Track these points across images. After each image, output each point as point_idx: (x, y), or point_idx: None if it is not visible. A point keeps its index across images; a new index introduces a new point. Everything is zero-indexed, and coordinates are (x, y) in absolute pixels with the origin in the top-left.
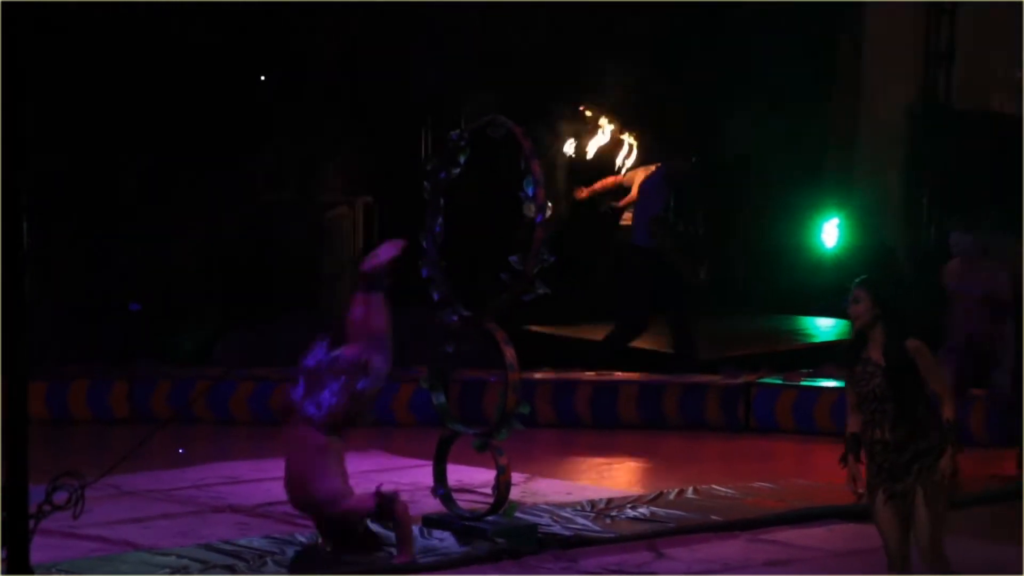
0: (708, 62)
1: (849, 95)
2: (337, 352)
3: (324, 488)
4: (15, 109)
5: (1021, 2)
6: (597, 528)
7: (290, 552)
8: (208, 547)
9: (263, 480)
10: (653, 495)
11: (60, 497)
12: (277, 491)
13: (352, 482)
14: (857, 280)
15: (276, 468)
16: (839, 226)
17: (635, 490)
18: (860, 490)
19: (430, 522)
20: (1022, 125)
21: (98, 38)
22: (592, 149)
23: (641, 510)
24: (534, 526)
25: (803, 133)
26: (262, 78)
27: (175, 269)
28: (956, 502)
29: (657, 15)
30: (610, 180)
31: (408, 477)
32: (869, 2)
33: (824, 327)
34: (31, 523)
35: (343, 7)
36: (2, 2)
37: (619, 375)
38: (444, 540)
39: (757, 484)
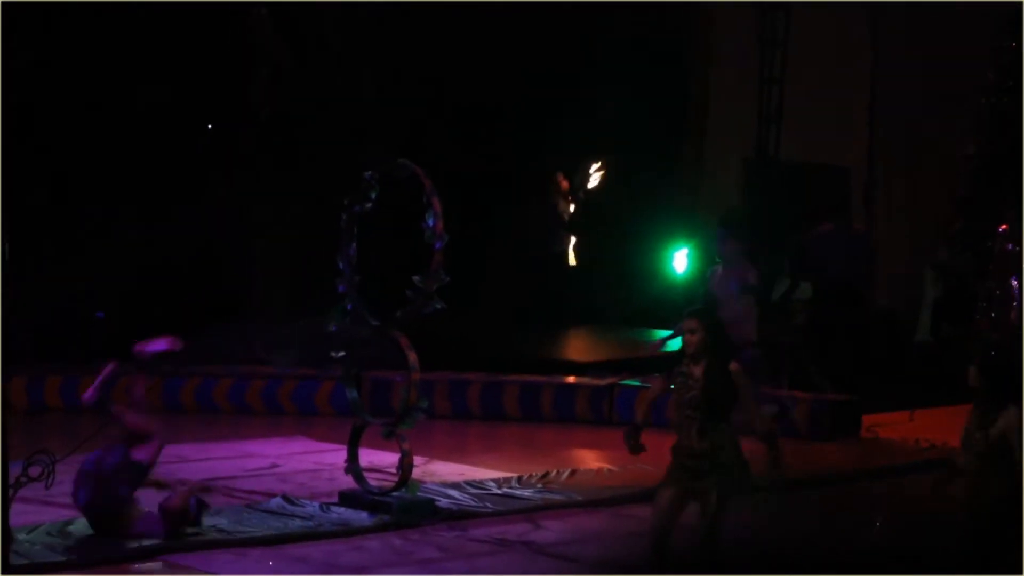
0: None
1: (695, 150)
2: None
3: None
4: None
5: (1021, 2)
6: (485, 503)
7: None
8: None
9: (207, 460)
10: (532, 476)
11: (35, 471)
12: (218, 468)
13: (282, 462)
14: (690, 310)
15: (217, 449)
16: (687, 255)
17: (517, 472)
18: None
19: (346, 497)
20: None
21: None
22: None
23: (522, 489)
24: (431, 500)
25: (658, 181)
26: (208, 127)
27: (133, 284)
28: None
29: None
30: None
31: (328, 459)
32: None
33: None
34: (11, 492)
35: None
36: (2, 2)
37: (504, 376)
38: (357, 513)
39: (618, 468)
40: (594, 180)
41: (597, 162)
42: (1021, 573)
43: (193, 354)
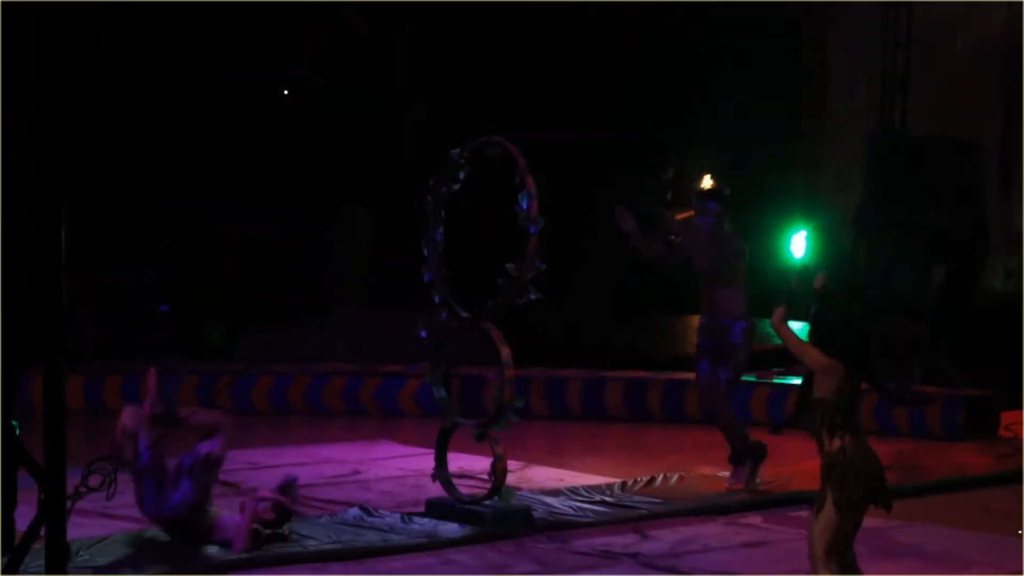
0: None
1: (815, 123)
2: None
3: None
4: (52, 125)
5: (1020, 2)
6: (587, 511)
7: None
8: None
9: (280, 466)
10: (639, 481)
11: (95, 480)
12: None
13: (365, 467)
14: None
15: (292, 455)
16: (806, 238)
17: (622, 477)
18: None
19: (433, 506)
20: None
21: (131, 57)
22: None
23: (628, 495)
24: (528, 509)
25: (774, 159)
26: (285, 92)
27: (199, 275)
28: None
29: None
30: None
31: (414, 464)
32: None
33: (794, 329)
34: (68, 503)
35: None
36: (2, 2)
37: (607, 372)
38: (446, 524)
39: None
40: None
41: (706, 165)
42: (1021, 573)
43: (265, 350)
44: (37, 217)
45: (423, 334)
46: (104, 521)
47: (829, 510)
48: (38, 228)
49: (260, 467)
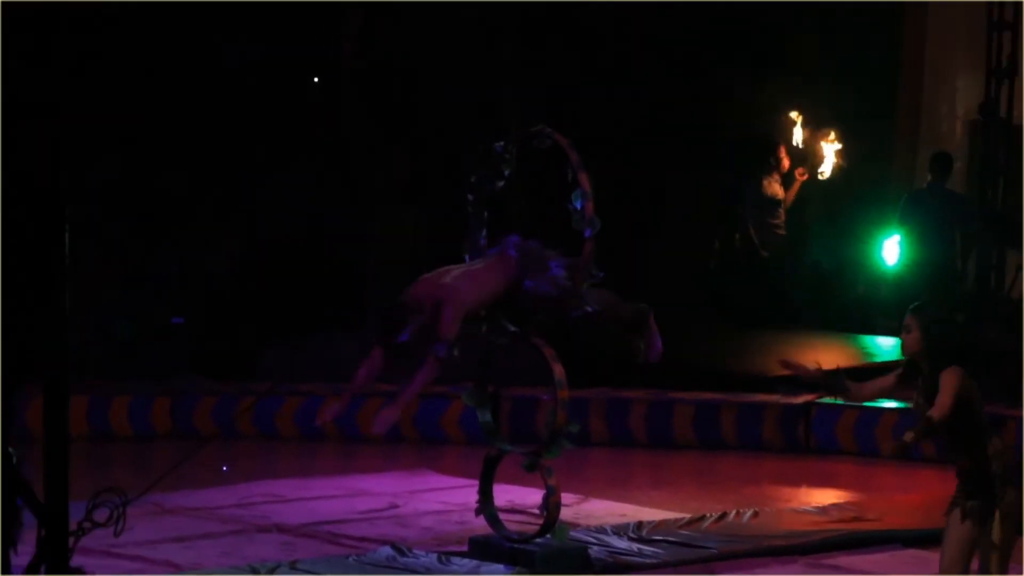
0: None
1: (911, 114)
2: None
3: None
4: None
5: (1020, 2)
6: (651, 551)
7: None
8: (252, 569)
9: (309, 499)
10: (710, 517)
11: (101, 514)
12: (324, 509)
13: (402, 501)
14: (911, 306)
15: (322, 486)
16: (900, 243)
17: (691, 512)
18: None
19: (477, 544)
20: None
21: (135, 52)
22: None
23: (697, 533)
24: (584, 549)
25: (865, 153)
26: (315, 80)
27: (218, 282)
28: None
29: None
30: None
31: (458, 497)
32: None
33: (885, 346)
34: (71, 540)
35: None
36: (2, 2)
37: (674, 393)
38: (491, 565)
39: (817, 507)
40: (829, 162)
41: (829, 134)
42: (1021, 573)
43: (293, 367)
44: (37, 217)
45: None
46: (110, 561)
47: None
48: (38, 229)
49: (285, 500)
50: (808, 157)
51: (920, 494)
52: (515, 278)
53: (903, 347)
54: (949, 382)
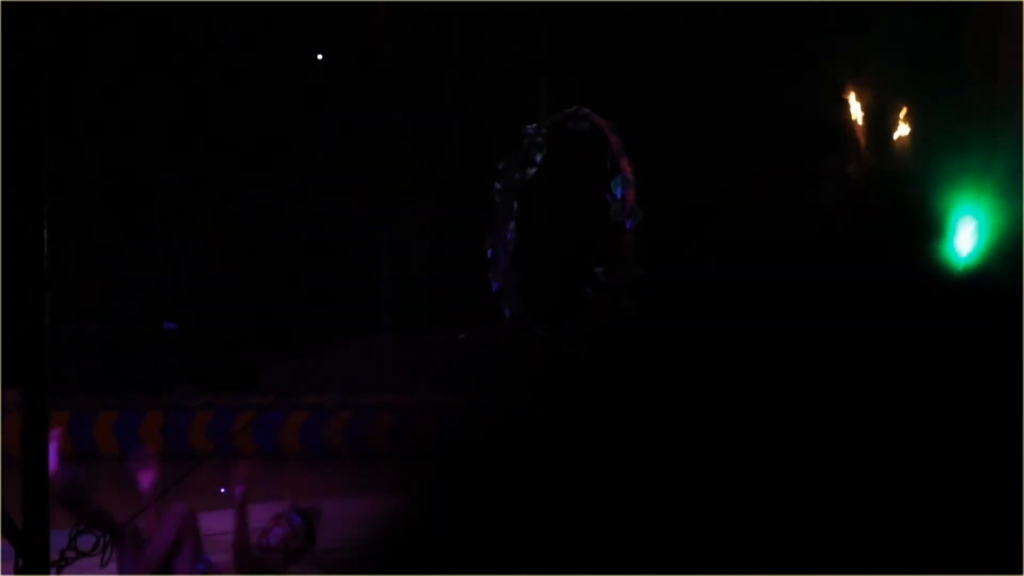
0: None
1: (984, 82)
2: None
3: None
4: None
5: (1021, 2)
6: None
7: None
8: None
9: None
10: None
11: (85, 543)
12: (333, 535)
13: None
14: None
15: (330, 509)
16: (975, 229)
17: None
18: None
19: None
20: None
21: (123, 33)
22: None
23: None
24: None
25: (935, 129)
26: (319, 56)
27: (215, 283)
28: None
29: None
30: None
31: None
32: None
33: None
34: (52, 572)
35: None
36: (2, 2)
37: None
38: None
39: None
40: (902, 129)
41: (900, 104)
42: (1021, 573)
43: (297, 379)
44: (14, 214)
45: (462, 337)
46: None
47: None
48: (15, 227)
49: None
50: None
51: None
52: None
53: None
54: None
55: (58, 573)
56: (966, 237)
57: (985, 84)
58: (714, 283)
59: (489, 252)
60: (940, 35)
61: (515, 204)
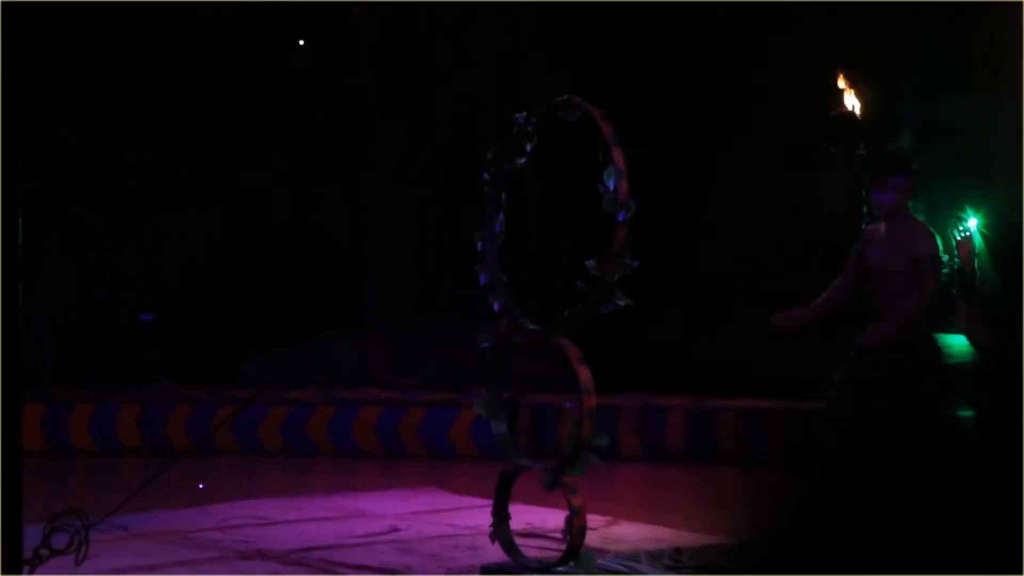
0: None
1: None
2: None
3: None
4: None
5: (1021, 2)
6: None
7: None
8: None
9: (298, 521)
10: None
11: (60, 540)
12: (314, 534)
13: (405, 523)
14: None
15: (312, 507)
16: (976, 228)
17: (739, 537)
18: None
19: (490, 573)
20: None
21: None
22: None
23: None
24: None
25: (938, 116)
26: (300, 43)
27: (195, 274)
28: None
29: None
30: None
31: (468, 519)
32: None
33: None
34: (26, 570)
35: None
36: (2, 2)
37: (718, 400)
38: None
39: None
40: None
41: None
42: (1021, 573)
43: (279, 372)
44: None
45: (486, 345)
46: None
47: None
48: None
49: (271, 523)
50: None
51: None
52: None
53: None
54: None
55: (31, 573)
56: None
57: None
58: None
59: (479, 245)
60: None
61: (503, 196)
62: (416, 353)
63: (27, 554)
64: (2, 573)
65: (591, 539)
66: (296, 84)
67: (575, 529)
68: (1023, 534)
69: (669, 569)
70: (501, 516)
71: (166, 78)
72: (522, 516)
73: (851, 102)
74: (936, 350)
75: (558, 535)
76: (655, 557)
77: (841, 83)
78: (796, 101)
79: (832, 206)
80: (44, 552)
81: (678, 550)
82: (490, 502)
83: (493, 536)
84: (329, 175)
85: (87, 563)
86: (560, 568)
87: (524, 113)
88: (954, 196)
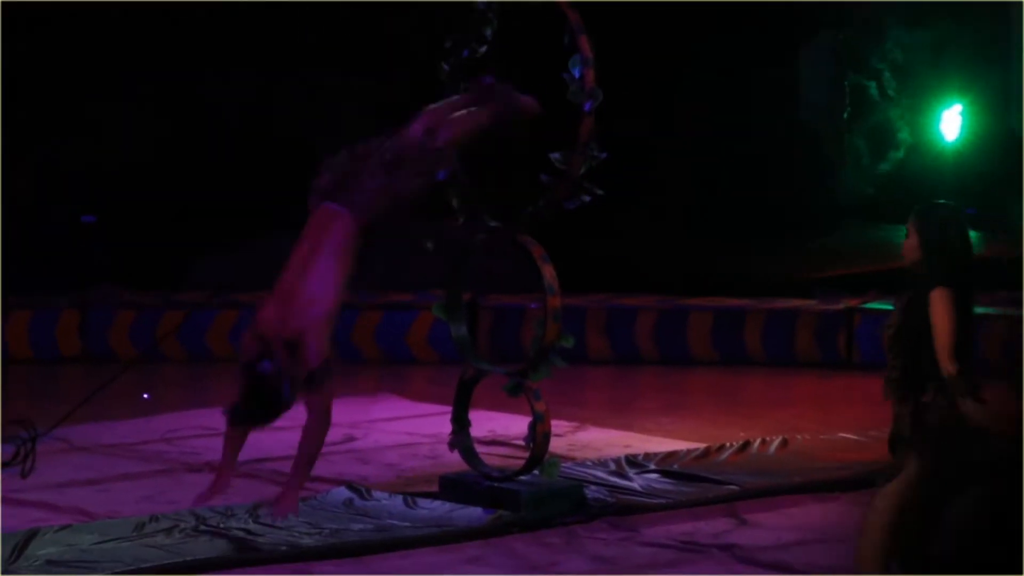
0: None
1: None
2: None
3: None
4: None
5: (1021, 2)
6: (661, 488)
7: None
8: (179, 516)
9: None
10: (730, 447)
11: (6, 452)
12: (265, 444)
13: (361, 432)
14: (914, 209)
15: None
16: (961, 114)
17: (708, 441)
18: None
19: (450, 483)
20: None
21: None
22: None
23: (716, 466)
24: (579, 487)
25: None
26: None
27: (137, 172)
28: None
29: None
30: None
31: (427, 427)
32: None
33: None
34: None
35: None
36: (2, 2)
37: (688, 300)
38: (467, 509)
39: (859, 434)
40: None
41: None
42: (1021, 573)
43: (228, 275)
44: None
45: (430, 246)
46: (10, 509)
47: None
48: None
49: (219, 433)
50: None
51: None
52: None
53: (902, 254)
54: (939, 306)
55: None
56: (952, 123)
57: None
58: None
59: None
60: None
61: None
62: (365, 252)
63: None
64: None
65: (556, 446)
66: None
67: (539, 436)
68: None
69: (637, 476)
70: (461, 423)
71: None
72: (483, 423)
73: None
74: None
75: (521, 442)
76: (623, 464)
77: None
78: None
79: (815, 97)
80: None
81: (646, 456)
82: (449, 409)
83: (453, 444)
84: (276, 61)
85: (33, 476)
86: (523, 476)
87: None
88: None
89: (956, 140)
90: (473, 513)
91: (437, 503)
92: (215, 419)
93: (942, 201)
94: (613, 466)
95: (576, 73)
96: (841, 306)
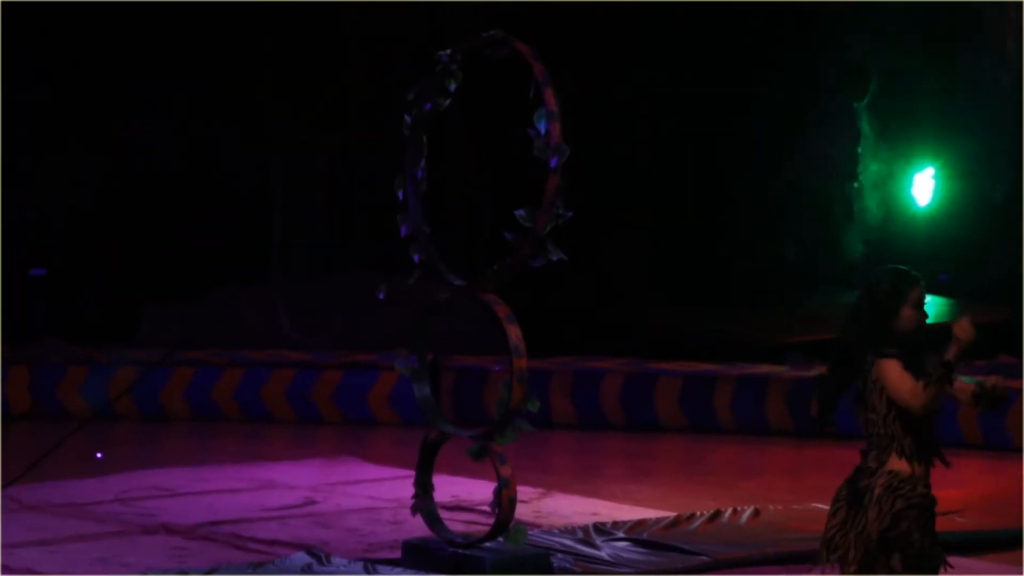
0: None
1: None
2: None
3: None
4: None
5: (1021, 2)
6: (628, 558)
7: None
8: None
9: (205, 493)
10: (700, 516)
11: None
12: (223, 506)
13: (322, 495)
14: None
15: (220, 478)
16: (934, 178)
17: (677, 510)
18: None
19: (412, 549)
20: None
21: None
22: None
23: (686, 536)
24: (547, 555)
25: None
26: None
27: (89, 224)
28: None
29: None
30: None
31: (389, 491)
32: None
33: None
34: None
35: None
36: (2, 2)
37: (657, 364)
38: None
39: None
40: None
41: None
42: (1021, 573)
43: (181, 332)
44: None
45: (381, 296)
46: None
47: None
48: None
49: (176, 494)
50: None
51: (965, 489)
52: None
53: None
54: (890, 377)
55: None
56: (924, 187)
57: None
58: None
59: (400, 194)
60: None
61: (425, 139)
62: (325, 310)
63: None
64: None
65: (522, 512)
66: (201, 17)
67: (504, 502)
68: None
69: (605, 544)
70: (424, 488)
71: (53, 17)
72: (447, 488)
73: None
74: None
75: (486, 508)
76: (590, 532)
77: None
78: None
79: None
80: None
81: (614, 524)
82: (412, 472)
83: (415, 509)
84: (232, 117)
85: None
86: (488, 544)
87: (448, 50)
88: None
89: (927, 205)
90: None
91: (399, 570)
92: (170, 479)
93: (895, 266)
94: (581, 534)
95: (542, 128)
96: (813, 372)
